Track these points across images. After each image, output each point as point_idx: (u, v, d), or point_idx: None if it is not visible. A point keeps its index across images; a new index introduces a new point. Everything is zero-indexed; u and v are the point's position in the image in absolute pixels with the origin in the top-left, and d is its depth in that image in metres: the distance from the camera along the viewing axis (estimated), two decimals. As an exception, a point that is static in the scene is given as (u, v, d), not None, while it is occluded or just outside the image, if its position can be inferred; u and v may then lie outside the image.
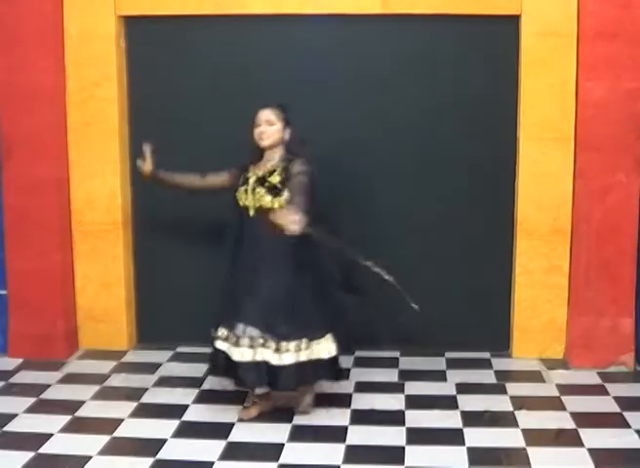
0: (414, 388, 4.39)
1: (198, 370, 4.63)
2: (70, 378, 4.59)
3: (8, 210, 4.80)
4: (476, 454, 3.60)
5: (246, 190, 3.92)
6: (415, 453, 3.62)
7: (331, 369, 3.99)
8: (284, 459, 3.59)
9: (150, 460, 3.57)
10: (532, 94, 4.62)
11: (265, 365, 3.84)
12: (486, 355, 4.91)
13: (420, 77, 4.80)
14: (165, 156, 4.95)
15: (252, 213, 3.90)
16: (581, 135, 4.58)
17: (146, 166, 4.17)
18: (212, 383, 4.46)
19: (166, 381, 4.53)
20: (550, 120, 4.62)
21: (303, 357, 3.87)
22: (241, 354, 3.85)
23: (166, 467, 3.54)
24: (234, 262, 3.98)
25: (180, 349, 5.03)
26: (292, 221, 3.61)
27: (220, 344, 3.95)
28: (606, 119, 4.49)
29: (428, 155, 4.87)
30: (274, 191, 3.86)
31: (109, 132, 4.83)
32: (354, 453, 3.64)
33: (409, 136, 4.84)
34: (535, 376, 4.59)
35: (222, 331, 3.95)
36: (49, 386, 4.45)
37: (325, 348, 3.94)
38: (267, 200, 3.86)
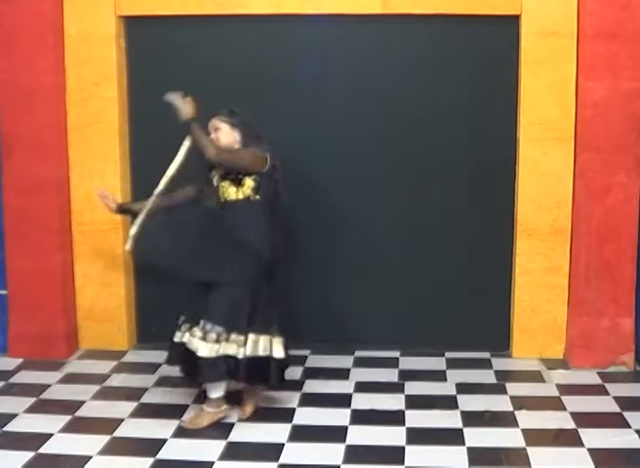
0: (414, 388, 4.39)
1: (198, 370, 4.63)
2: (70, 378, 4.59)
3: (8, 210, 4.80)
4: (476, 454, 3.60)
5: (210, 188, 4.00)
6: (415, 453, 3.62)
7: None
8: (284, 459, 3.59)
9: (150, 460, 3.56)
10: (532, 94, 4.62)
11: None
12: (486, 355, 4.90)
13: (421, 77, 4.80)
14: (165, 156, 4.97)
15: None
16: (581, 135, 4.57)
17: (111, 204, 4.21)
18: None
19: (166, 381, 4.53)
20: (550, 120, 4.62)
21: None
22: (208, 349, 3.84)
23: (166, 467, 3.54)
24: None
25: (180, 349, 5.02)
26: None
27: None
28: (606, 119, 4.49)
29: (428, 155, 4.87)
30: (236, 182, 3.94)
31: (109, 132, 4.83)
32: (354, 453, 3.64)
33: (409, 136, 4.84)
34: (535, 376, 4.59)
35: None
36: (49, 386, 4.45)
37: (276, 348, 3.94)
38: (232, 191, 3.93)
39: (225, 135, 3.99)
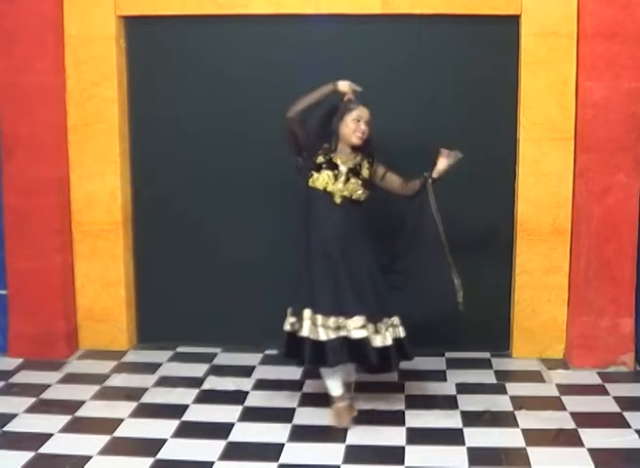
0: (414, 388, 4.39)
1: (198, 370, 4.64)
2: (70, 378, 4.59)
3: (8, 210, 4.80)
4: (476, 454, 3.60)
5: (335, 176, 3.91)
6: (415, 453, 3.62)
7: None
8: (284, 459, 3.59)
9: (150, 460, 3.57)
10: (532, 94, 4.62)
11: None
12: (486, 355, 4.91)
13: (420, 77, 4.80)
14: (165, 156, 4.98)
15: (338, 200, 3.91)
16: (581, 135, 4.58)
17: None
18: (212, 383, 4.47)
19: (166, 381, 4.53)
20: (550, 120, 4.62)
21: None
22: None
23: (166, 467, 3.54)
24: (313, 247, 3.93)
25: (180, 349, 5.02)
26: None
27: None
28: (606, 119, 4.49)
29: (428, 155, 4.85)
30: (365, 184, 3.95)
31: (109, 132, 4.83)
32: (354, 453, 3.64)
33: (408, 136, 4.83)
34: (535, 376, 4.59)
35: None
36: (49, 386, 4.45)
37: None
38: (360, 193, 3.94)
39: (368, 133, 3.96)
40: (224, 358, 4.87)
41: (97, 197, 4.88)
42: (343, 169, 3.93)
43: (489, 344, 4.96)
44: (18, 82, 4.67)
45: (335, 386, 3.98)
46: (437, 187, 4.87)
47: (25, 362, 4.81)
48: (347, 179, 3.92)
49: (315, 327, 3.82)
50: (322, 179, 3.91)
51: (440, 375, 4.60)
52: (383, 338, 3.86)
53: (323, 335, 3.80)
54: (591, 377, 4.55)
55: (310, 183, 3.92)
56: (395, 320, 3.94)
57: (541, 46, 4.57)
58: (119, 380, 4.57)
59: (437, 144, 4.83)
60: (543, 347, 4.83)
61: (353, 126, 3.92)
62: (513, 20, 4.63)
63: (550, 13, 4.55)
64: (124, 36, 4.86)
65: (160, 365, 4.78)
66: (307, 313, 3.84)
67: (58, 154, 4.80)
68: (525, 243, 4.76)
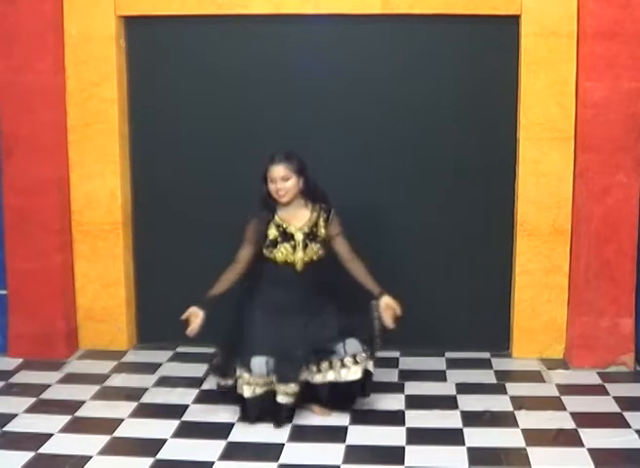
0: (414, 388, 4.39)
1: (198, 370, 4.63)
2: (70, 378, 4.59)
3: (8, 210, 4.80)
4: (476, 454, 3.60)
5: (294, 247, 3.91)
6: (415, 453, 3.62)
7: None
8: (284, 459, 3.59)
9: (150, 460, 3.56)
10: (532, 94, 4.62)
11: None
12: (486, 355, 4.90)
13: (420, 77, 4.80)
14: (165, 156, 4.98)
15: (300, 268, 3.92)
16: (581, 135, 4.57)
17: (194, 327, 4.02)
18: (212, 383, 4.46)
19: (166, 381, 4.53)
20: (550, 120, 4.62)
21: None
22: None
23: (166, 467, 3.53)
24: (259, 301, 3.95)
25: (180, 349, 5.02)
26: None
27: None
28: (606, 119, 4.48)
29: (428, 155, 4.87)
30: (324, 242, 3.96)
31: (109, 132, 4.83)
32: (354, 453, 3.64)
33: (408, 136, 4.83)
34: (535, 376, 4.59)
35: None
36: (49, 386, 4.45)
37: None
38: (320, 253, 3.95)
39: (293, 186, 3.91)
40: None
41: (97, 197, 4.88)
42: (300, 236, 3.93)
43: (489, 344, 4.96)
44: (18, 82, 4.66)
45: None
46: (437, 187, 4.91)
47: (25, 362, 4.81)
48: (306, 245, 3.92)
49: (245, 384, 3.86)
50: (281, 253, 3.91)
51: (440, 375, 4.60)
52: (324, 377, 3.87)
53: (248, 392, 3.86)
54: (591, 377, 4.55)
55: (268, 255, 3.92)
56: (347, 360, 3.87)
57: (541, 46, 4.57)
58: (119, 380, 4.56)
59: (437, 144, 4.85)
60: (543, 347, 4.83)
61: (272, 186, 3.92)
62: (513, 20, 4.63)
63: (550, 13, 4.55)
64: (124, 36, 4.86)
65: (160, 365, 4.78)
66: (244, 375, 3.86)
67: (58, 154, 4.80)
68: (525, 243, 4.76)
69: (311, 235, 3.95)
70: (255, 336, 3.87)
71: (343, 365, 3.86)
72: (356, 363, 3.87)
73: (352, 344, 3.88)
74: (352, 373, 3.86)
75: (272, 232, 3.94)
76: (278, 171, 3.90)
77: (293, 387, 3.83)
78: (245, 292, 4.04)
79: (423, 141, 4.85)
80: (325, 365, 3.87)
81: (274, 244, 3.93)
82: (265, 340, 3.84)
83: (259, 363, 3.82)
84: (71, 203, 4.90)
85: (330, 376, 3.87)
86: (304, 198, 4.01)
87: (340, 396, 3.93)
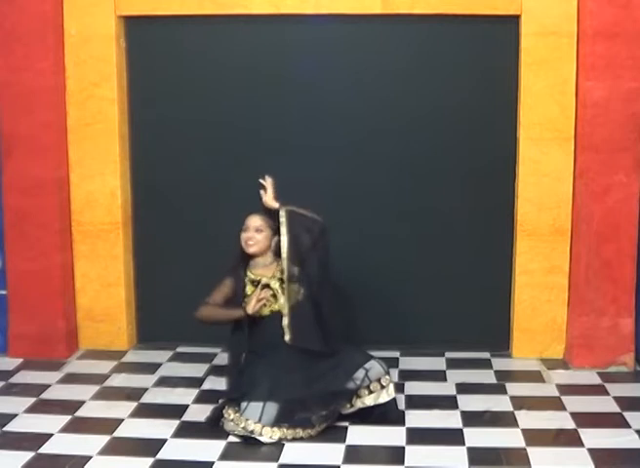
0: (414, 388, 4.39)
1: (198, 370, 4.63)
2: (70, 378, 4.59)
3: (8, 210, 4.80)
4: (476, 454, 3.59)
5: (274, 296, 3.88)
6: (415, 453, 3.62)
7: None
8: (284, 459, 3.58)
9: (150, 460, 3.56)
10: (532, 94, 4.62)
11: None
12: (486, 355, 4.90)
13: (420, 77, 4.80)
14: (165, 156, 4.98)
15: (286, 312, 3.87)
16: (581, 135, 4.58)
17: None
18: (212, 383, 4.46)
19: (166, 381, 4.53)
20: (550, 120, 4.62)
21: None
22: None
23: (166, 467, 3.53)
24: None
25: (180, 349, 5.02)
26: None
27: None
28: (606, 119, 4.49)
29: (428, 155, 4.87)
30: (298, 278, 3.87)
31: (109, 132, 4.83)
32: (354, 453, 3.64)
33: (408, 136, 4.84)
34: (535, 376, 4.59)
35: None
36: (49, 386, 4.45)
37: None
38: (302, 291, 3.87)
39: (264, 239, 3.90)
40: (224, 358, 4.85)
41: (96, 197, 4.88)
42: (276, 284, 3.91)
43: (489, 344, 4.96)
44: (18, 82, 4.66)
45: None
46: (437, 187, 4.91)
47: (25, 362, 4.81)
48: (283, 290, 3.87)
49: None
50: (264, 306, 3.87)
51: (440, 375, 4.60)
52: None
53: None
54: (591, 377, 4.55)
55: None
56: (373, 385, 3.86)
57: (541, 46, 4.57)
58: (119, 380, 4.56)
59: (437, 144, 4.85)
60: (543, 347, 4.83)
61: (243, 234, 3.90)
62: (513, 20, 4.63)
63: (550, 13, 4.55)
64: (124, 36, 4.86)
65: (160, 365, 4.78)
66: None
67: (57, 154, 4.80)
68: (525, 243, 4.76)
69: (282, 280, 3.90)
70: (263, 385, 3.77)
71: (370, 391, 3.85)
72: (382, 387, 3.86)
73: (375, 369, 3.86)
74: (382, 397, 3.86)
75: (249, 288, 3.94)
76: (254, 220, 3.93)
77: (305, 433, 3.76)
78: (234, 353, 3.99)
79: (423, 141, 4.85)
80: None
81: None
82: (274, 388, 3.76)
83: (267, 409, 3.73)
84: (71, 203, 4.90)
85: (359, 405, 3.86)
86: (275, 256, 3.97)
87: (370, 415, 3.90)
